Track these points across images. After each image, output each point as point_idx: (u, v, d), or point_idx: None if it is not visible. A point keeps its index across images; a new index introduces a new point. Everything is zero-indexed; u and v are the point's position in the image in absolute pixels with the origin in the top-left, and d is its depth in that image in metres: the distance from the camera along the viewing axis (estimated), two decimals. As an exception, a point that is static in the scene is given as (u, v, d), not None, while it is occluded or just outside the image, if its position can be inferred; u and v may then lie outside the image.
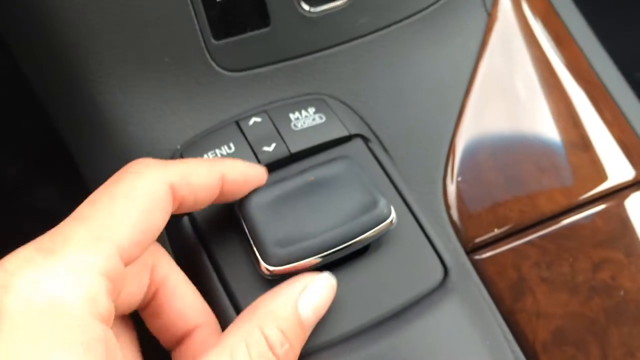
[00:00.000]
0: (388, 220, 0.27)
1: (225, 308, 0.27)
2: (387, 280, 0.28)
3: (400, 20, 0.34)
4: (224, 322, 0.27)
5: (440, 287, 0.28)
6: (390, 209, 0.28)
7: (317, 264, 0.26)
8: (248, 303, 0.26)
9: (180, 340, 0.26)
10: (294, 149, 0.31)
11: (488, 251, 0.33)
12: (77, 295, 0.20)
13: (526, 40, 0.38)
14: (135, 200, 0.23)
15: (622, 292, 0.32)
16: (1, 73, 0.47)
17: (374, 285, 0.27)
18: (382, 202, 0.27)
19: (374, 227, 0.27)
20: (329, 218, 0.27)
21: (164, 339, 0.27)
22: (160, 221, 0.24)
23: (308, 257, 0.26)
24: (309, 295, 0.25)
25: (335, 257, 0.27)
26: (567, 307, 0.32)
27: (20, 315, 0.19)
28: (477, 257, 0.33)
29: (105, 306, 0.21)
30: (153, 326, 0.26)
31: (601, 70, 0.39)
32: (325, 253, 0.26)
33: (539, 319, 0.31)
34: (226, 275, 0.27)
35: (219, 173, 0.26)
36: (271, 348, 0.23)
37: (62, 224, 0.22)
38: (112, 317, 0.22)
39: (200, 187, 0.25)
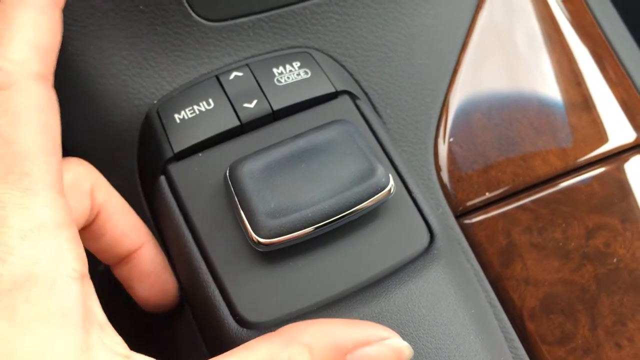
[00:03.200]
0: (386, 190, 0.26)
1: (207, 282, 0.26)
2: (371, 246, 0.27)
3: (394, -32, 0.32)
4: (204, 298, 0.25)
5: (426, 253, 0.27)
6: (388, 177, 0.26)
7: (310, 234, 0.25)
8: (231, 277, 0.25)
9: (124, 258, 0.26)
10: (277, 105, 0.29)
11: (478, 215, 0.32)
12: (44, 261, 0.19)
13: (529, -9, 0.36)
14: (27, 122, 0.20)
15: (615, 260, 0.31)
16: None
17: (357, 250, 0.26)
18: (380, 170, 0.26)
19: (370, 197, 0.26)
20: (323, 187, 0.26)
21: (106, 257, 0.27)
22: (59, 124, 0.21)
23: (301, 229, 0.25)
24: (364, 356, 0.21)
25: (330, 228, 0.25)
26: (558, 274, 0.31)
27: None
28: (466, 221, 0.32)
29: (78, 256, 0.20)
30: (94, 246, 0.26)
31: (607, 25, 0.37)
32: (319, 224, 0.25)
33: (528, 286, 0.31)
34: (207, 246, 0.26)
35: (56, 14, 0.23)
36: None
37: None
38: (86, 262, 0.21)
39: (57, 46, 0.23)
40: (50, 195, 0.20)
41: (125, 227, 0.26)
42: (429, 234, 0.27)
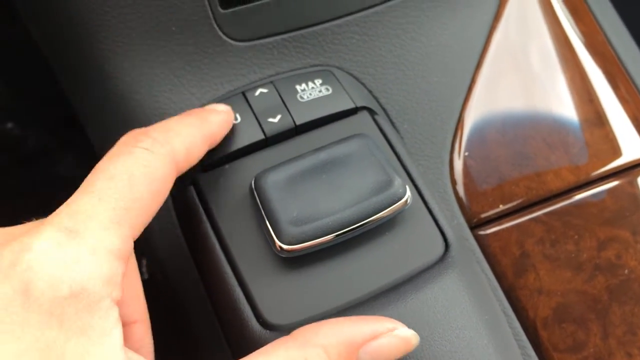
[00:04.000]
0: (403, 200, 0.27)
1: (232, 286, 0.27)
2: (388, 253, 0.28)
3: (411, -9, 0.34)
4: (229, 301, 0.27)
5: (441, 262, 0.28)
6: (405, 188, 0.28)
7: (330, 242, 0.27)
8: (255, 282, 0.27)
9: None
10: (300, 120, 0.31)
11: (492, 227, 0.33)
12: (100, 279, 0.21)
13: (541, 11, 0.37)
14: (151, 183, 0.24)
15: (626, 271, 0.32)
16: (16, 41, 0.47)
17: (375, 257, 0.28)
18: (397, 182, 0.27)
19: (388, 207, 0.27)
20: (343, 197, 0.27)
21: None
22: (163, 202, 0.25)
23: (322, 236, 0.26)
24: (375, 348, 0.23)
25: (349, 236, 0.27)
26: (570, 284, 0.32)
27: (46, 298, 0.20)
28: (481, 232, 0.33)
29: (121, 288, 0.22)
30: None
31: (618, 44, 0.38)
32: (339, 232, 0.27)
33: (541, 295, 0.31)
34: (233, 252, 0.28)
35: (210, 140, 0.28)
36: None
37: (78, 198, 0.22)
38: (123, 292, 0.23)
39: (196, 158, 0.27)
40: (127, 234, 0.22)
41: (128, 294, 0.25)
42: (444, 243, 0.28)
